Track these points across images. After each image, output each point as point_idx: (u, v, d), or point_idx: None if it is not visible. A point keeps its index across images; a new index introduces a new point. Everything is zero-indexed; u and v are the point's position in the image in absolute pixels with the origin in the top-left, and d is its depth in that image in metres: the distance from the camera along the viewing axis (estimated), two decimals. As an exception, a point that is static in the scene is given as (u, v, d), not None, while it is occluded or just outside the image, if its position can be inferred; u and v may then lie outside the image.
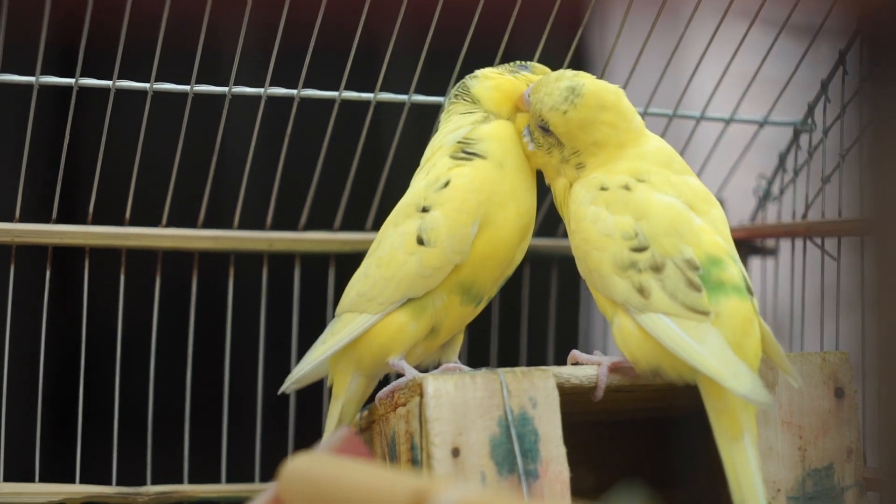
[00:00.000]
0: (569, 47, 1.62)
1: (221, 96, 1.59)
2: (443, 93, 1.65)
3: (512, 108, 1.50)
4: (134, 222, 1.63)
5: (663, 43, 1.64)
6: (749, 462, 1.33)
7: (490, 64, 1.60)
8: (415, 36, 1.57)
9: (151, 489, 1.62)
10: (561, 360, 1.45)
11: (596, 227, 1.40)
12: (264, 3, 1.50)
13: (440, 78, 1.64)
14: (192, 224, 1.66)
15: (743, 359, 1.34)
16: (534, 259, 1.66)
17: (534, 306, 1.79)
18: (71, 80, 1.55)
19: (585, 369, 1.40)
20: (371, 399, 1.49)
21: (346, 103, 1.63)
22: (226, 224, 1.67)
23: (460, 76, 1.60)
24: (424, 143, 1.65)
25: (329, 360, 1.51)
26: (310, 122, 1.64)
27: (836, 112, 1.66)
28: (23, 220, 1.59)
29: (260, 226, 1.68)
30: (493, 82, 1.51)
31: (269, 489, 1.29)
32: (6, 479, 1.59)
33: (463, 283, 1.46)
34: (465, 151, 1.47)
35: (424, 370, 1.46)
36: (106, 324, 1.64)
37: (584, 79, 1.44)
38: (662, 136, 1.52)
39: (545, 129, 1.44)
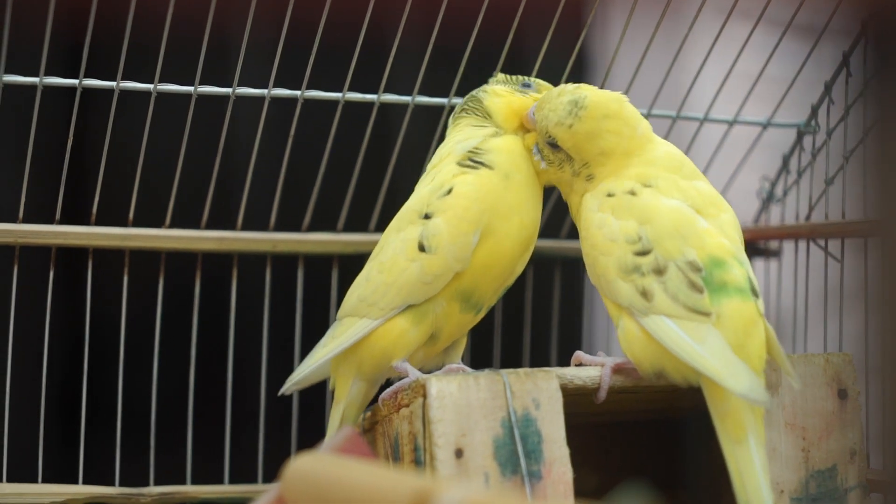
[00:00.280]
0: (572, 48, 1.62)
1: (225, 97, 1.59)
2: (447, 94, 1.65)
3: (521, 126, 1.51)
4: (137, 223, 1.63)
5: (666, 44, 1.64)
6: (753, 464, 1.32)
7: (493, 65, 1.61)
8: (419, 37, 1.57)
9: (154, 490, 1.62)
10: (564, 362, 1.45)
11: (602, 233, 1.41)
12: (268, 5, 1.50)
13: (444, 79, 1.64)
14: (195, 225, 1.66)
15: (745, 360, 1.34)
16: (537, 260, 1.66)
17: (537, 307, 1.79)
18: (75, 81, 1.55)
19: (589, 370, 1.40)
20: (374, 400, 1.49)
21: (349, 104, 1.63)
22: (229, 225, 1.67)
23: (464, 77, 1.60)
24: (428, 144, 1.65)
25: (331, 363, 1.51)
26: (313, 123, 1.64)
27: (839, 114, 1.66)
28: (26, 220, 1.60)
29: (263, 227, 1.68)
30: (503, 100, 1.51)
31: (271, 489, 1.29)
32: (10, 480, 1.59)
33: (463, 290, 1.46)
34: (473, 160, 1.47)
35: (427, 372, 1.46)
36: (109, 325, 1.64)
37: (585, 91, 1.44)
38: (666, 137, 1.52)
39: (553, 146, 1.45)
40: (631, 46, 1.63)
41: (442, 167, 1.50)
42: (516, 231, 1.46)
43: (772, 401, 1.40)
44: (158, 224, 1.64)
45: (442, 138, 1.61)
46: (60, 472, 1.62)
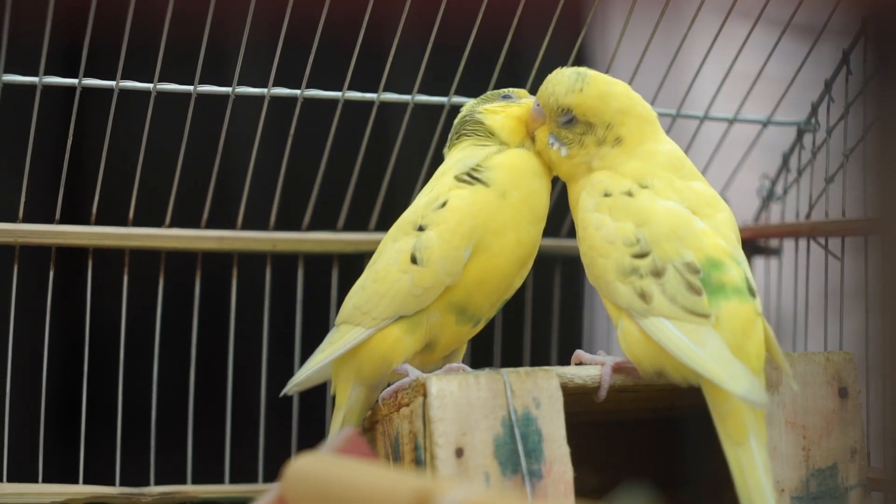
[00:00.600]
0: (572, 47, 1.62)
1: (225, 97, 1.59)
2: (446, 93, 1.64)
3: (527, 135, 1.50)
4: (137, 223, 1.63)
5: (666, 42, 1.64)
6: (755, 465, 1.32)
7: (493, 64, 1.61)
8: (418, 36, 1.57)
9: (155, 489, 1.62)
10: (564, 361, 1.45)
11: (599, 235, 1.41)
12: (268, 4, 1.50)
13: (444, 78, 1.64)
14: (195, 224, 1.66)
15: (744, 360, 1.34)
16: (537, 259, 1.66)
17: (537, 306, 1.79)
18: (74, 81, 1.55)
19: (589, 369, 1.40)
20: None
21: (349, 103, 1.63)
22: (229, 224, 1.67)
23: (464, 76, 1.60)
24: (428, 144, 1.65)
25: (332, 369, 1.51)
26: (313, 123, 1.64)
27: (839, 112, 1.66)
28: (26, 220, 1.60)
29: (263, 226, 1.68)
30: (504, 113, 1.51)
31: (272, 489, 1.29)
32: (10, 480, 1.59)
33: (457, 304, 1.46)
34: (471, 176, 1.47)
35: (427, 372, 1.46)
36: (109, 324, 1.64)
37: (583, 68, 1.46)
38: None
39: (569, 121, 1.44)
40: (631, 45, 1.63)
41: (441, 180, 1.49)
42: (511, 248, 1.46)
43: (772, 401, 1.40)
44: (158, 223, 1.64)
45: (442, 137, 1.61)
46: (61, 472, 1.62)
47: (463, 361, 1.52)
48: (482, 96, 1.54)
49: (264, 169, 1.64)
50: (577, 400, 1.39)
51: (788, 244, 1.78)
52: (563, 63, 1.56)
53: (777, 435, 1.42)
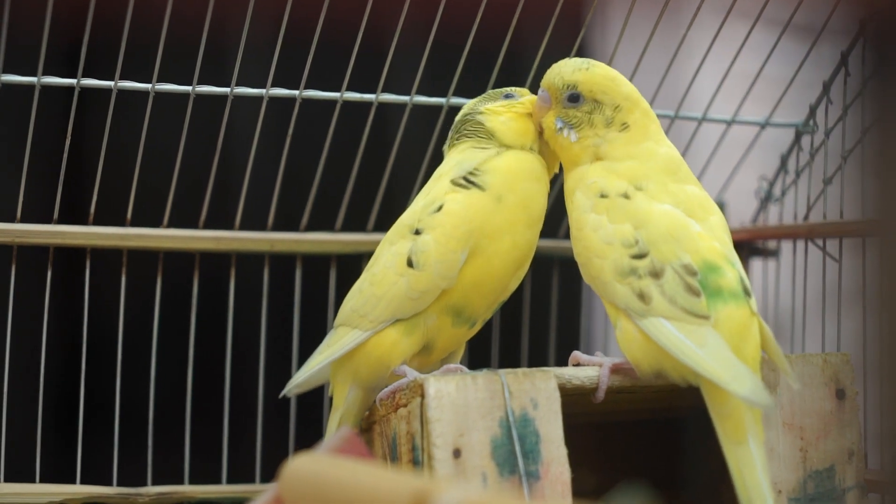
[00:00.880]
0: (571, 48, 1.62)
1: (223, 97, 1.59)
2: (445, 94, 1.64)
3: (533, 133, 1.49)
4: (135, 223, 1.63)
5: (665, 44, 1.64)
6: (754, 465, 1.33)
7: (492, 65, 1.61)
8: (417, 37, 1.57)
9: (152, 490, 1.62)
10: (562, 361, 1.45)
11: (597, 236, 1.41)
12: (266, 4, 1.50)
13: (442, 79, 1.64)
14: (193, 225, 1.66)
15: (742, 362, 1.34)
16: (535, 260, 1.66)
17: (535, 307, 1.79)
18: (73, 81, 1.55)
19: (587, 370, 1.40)
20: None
21: (348, 104, 1.63)
22: (227, 225, 1.67)
23: (462, 77, 1.60)
24: (426, 144, 1.65)
25: (330, 371, 1.51)
26: (312, 123, 1.64)
27: (838, 113, 1.66)
28: (24, 220, 1.59)
29: (261, 226, 1.68)
30: (507, 115, 1.50)
31: (269, 490, 1.29)
32: (7, 480, 1.59)
33: (453, 306, 1.46)
34: (467, 179, 1.47)
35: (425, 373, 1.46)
36: (107, 324, 1.64)
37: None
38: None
39: (575, 98, 1.44)
40: (630, 46, 1.63)
41: (438, 183, 1.49)
42: (507, 251, 1.46)
43: (774, 405, 1.40)
44: (156, 224, 1.64)
45: (440, 138, 1.61)
46: (58, 472, 1.62)
47: (461, 362, 1.52)
48: (484, 95, 1.54)
49: (262, 169, 1.64)
50: (574, 401, 1.39)
51: (786, 245, 1.78)
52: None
53: (774, 436, 1.42)
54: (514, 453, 1.34)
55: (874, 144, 1.03)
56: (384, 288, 1.46)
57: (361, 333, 1.47)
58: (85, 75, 1.54)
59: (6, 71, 1.53)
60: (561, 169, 1.51)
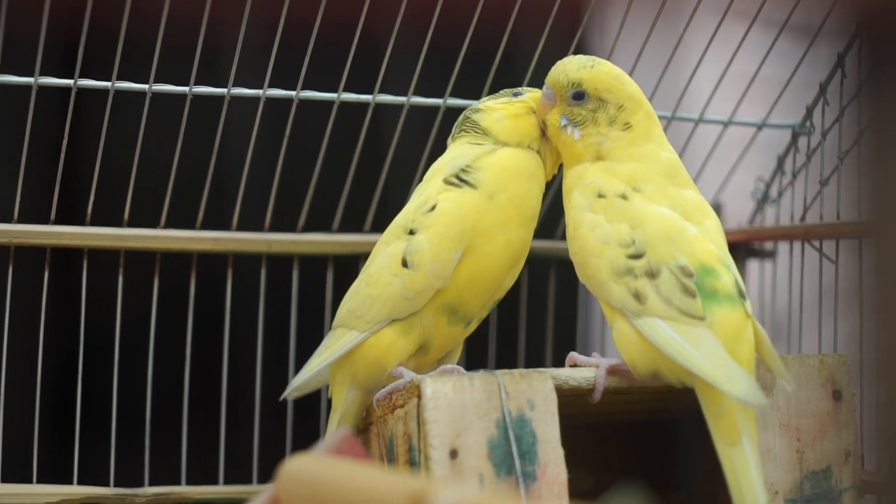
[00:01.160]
0: (568, 48, 1.62)
1: (220, 97, 1.59)
2: (442, 95, 1.65)
3: (530, 129, 1.49)
4: (132, 223, 1.63)
5: (662, 44, 1.64)
6: (748, 466, 1.33)
7: (489, 67, 1.61)
8: (414, 37, 1.57)
9: (149, 490, 1.62)
10: (559, 362, 1.45)
11: (594, 235, 1.41)
12: (263, 5, 1.50)
13: (439, 80, 1.64)
14: (190, 225, 1.66)
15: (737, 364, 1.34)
16: (532, 261, 1.66)
17: (532, 308, 1.79)
18: (70, 81, 1.55)
19: (583, 371, 1.40)
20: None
21: (345, 105, 1.63)
22: (224, 225, 1.67)
23: (460, 78, 1.60)
24: (423, 145, 1.65)
25: (329, 372, 1.51)
26: (309, 124, 1.64)
27: (834, 114, 1.67)
28: (21, 220, 1.59)
29: (258, 227, 1.68)
30: (502, 112, 1.50)
31: (266, 490, 1.29)
32: (4, 480, 1.59)
33: (448, 305, 1.46)
34: (459, 178, 1.47)
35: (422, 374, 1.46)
36: (104, 325, 1.64)
37: None
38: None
39: (580, 96, 1.44)
40: (627, 46, 1.63)
41: (431, 183, 1.50)
42: (501, 249, 1.46)
43: (769, 406, 1.40)
44: (153, 224, 1.64)
45: (437, 139, 1.61)
46: (55, 473, 1.62)
47: (457, 363, 1.52)
48: (495, 94, 1.54)
49: (259, 170, 1.64)
50: (571, 402, 1.39)
51: (783, 247, 1.78)
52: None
53: (771, 437, 1.42)
54: (510, 454, 1.34)
55: (870, 146, 1.03)
56: (379, 288, 1.47)
57: (359, 334, 1.47)
58: (82, 76, 1.54)
59: (3, 71, 1.53)
60: (560, 168, 1.51)
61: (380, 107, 1.64)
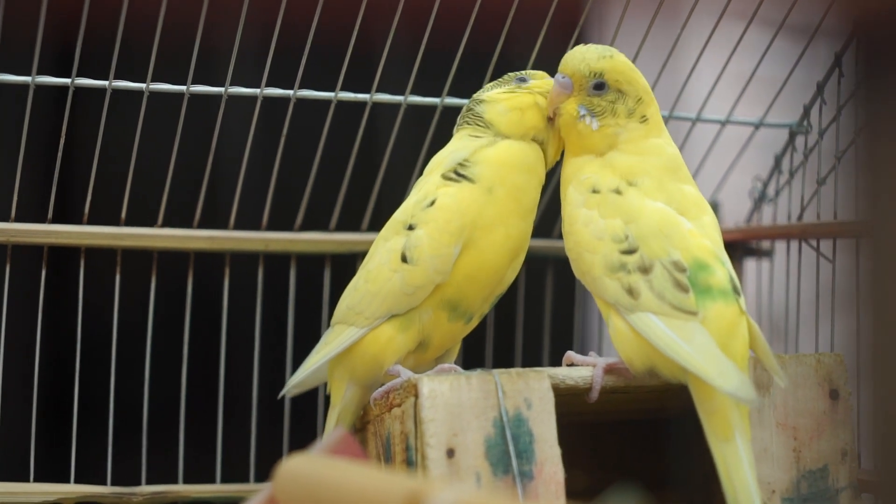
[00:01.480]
0: (565, 48, 1.62)
1: (218, 96, 1.59)
2: (439, 94, 1.65)
3: (535, 122, 1.49)
4: (130, 222, 1.63)
5: (660, 43, 1.64)
6: (741, 462, 1.33)
7: (486, 66, 1.61)
8: (411, 36, 1.57)
9: (146, 489, 1.62)
10: (556, 362, 1.45)
11: (588, 230, 1.41)
12: (261, 4, 1.50)
13: (437, 79, 1.64)
14: (187, 224, 1.66)
15: (730, 359, 1.34)
16: (529, 260, 1.66)
17: (529, 307, 1.79)
18: (67, 80, 1.55)
19: (580, 370, 1.40)
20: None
21: (342, 104, 1.63)
22: (222, 224, 1.67)
23: (457, 77, 1.60)
24: (420, 144, 1.65)
25: (327, 369, 1.51)
26: (306, 123, 1.64)
27: (831, 114, 1.67)
28: (18, 219, 1.59)
29: (256, 226, 1.68)
30: (506, 104, 1.49)
31: (263, 489, 1.29)
32: (1, 479, 1.59)
33: (449, 300, 1.46)
34: (457, 172, 1.47)
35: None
36: (101, 324, 1.64)
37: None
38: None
39: (600, 86, 1.44)
40: (625, 46, 1.63)
41: (429, 178, 1.50)
42: (501, 243, 1.46)
43: (760, 400, 1.40)
44: (150, 223, 1.64)
45: (434, 138, 1.61)
46: (52, 472, 1.62)
47: (455, 362, 1.52)
48: (498, 80, 1.53)
49: (257, 169, 1.64)
50: (568, 401, 1.39)
51: (780, 246, 1.78)
52: (558, 63, 1.56)
53: (768, 436, 1.42)
54: (507, 453, 1.34)
55: (867, 145, 1.03)
56: (379, 284, 1.47)
57: (358, 330, 1.47)
58: (79, 75, 1.54)
59: (0, 70, 1.53)
60: (560, 161, 1.51)
61: (377, 106, 1.64)
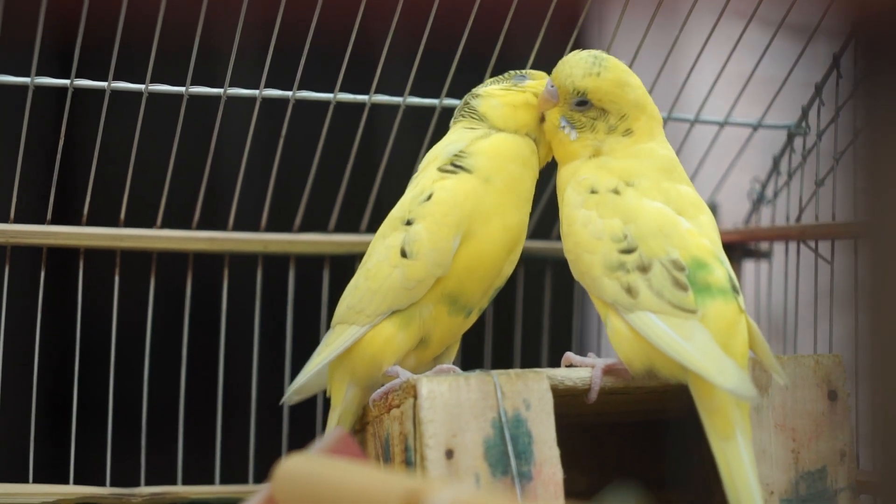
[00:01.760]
0: (565, 48, 1.62)
1: (217, 98, 1.59)
2: (438, 95, 1.65)
3: (527, 119, 1.50)
4: (129, 223, 1.63)
5: (659, 44, 1.64)
6: (742, 461, 1.33)
7: (485, 67, 1.61)
8: (410, 37, 1.57)
9: (145, 490, 1.62)
10: (555, 363, 1.45)
11: (586, 231, 1.41)
12: (260, 5, 1.50)
13: (435, 80, 1.64)
14: (186, 225, 1.66)
15: (730, 357, 1.34)
16: (528, 261, 1.67)
17: (528, 308, 1.79)
18: (66, 81, 1.55)
19: (579, 371, 1.40)
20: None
21: (341, 105, 1.63)
22: (221, 225, 1.67)
23: (456, 78, 1.60)
24: (419, 145, 1.65)
25: (327, 370, 1.51)
26: (305, 124, 1.64)
27: (830, 115, 1.67)
28: (17, 220, 1.59)
29: (255, 227, 1.68)
30: (500, 100, 1.50)
31: (262, 490, 1.29)
32: (0, 480, 1.58)
33: (449, 294, 1.46)
34: (454, 164, 1.47)
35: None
36: (100, 325, 1.64)
37: (599, 51, 1.46)
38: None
39: (583, 103, 1.44)
40: (624, 47, 1.63)
41: (425, 173, 1.50)
42: (499, 233, 1.46)
43: (760, 399, 1.40)
44: (150, 224, 1.64)
45: (433, 139, 1.61)
46: (51, 473, 1.62)
47: (454, 363, 1.52)
48: (498, 77, 1.54)
49: (256, 170, 1.64)
50: (567, 402, 1.39)
51: (778, 247, 1.78)
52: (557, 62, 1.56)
53: (766, 437, 1.42)
54: (506, 454, 1.34)
55: (866, 146, 1.03)
56: (379, 281, 1.47)
57: (359, 329, 1.47)
58: (78, 76, 1.54)
59: (0, 71, 1.53)
60: (555, 162, 1.51)
61: (376, 107, 1.64)
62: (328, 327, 1.54)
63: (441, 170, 1.48)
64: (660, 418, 1.56)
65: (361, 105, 1.64)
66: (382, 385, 1.45)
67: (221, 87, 1.58)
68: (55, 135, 1.56)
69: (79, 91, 1.56)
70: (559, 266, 1.69)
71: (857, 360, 1.51)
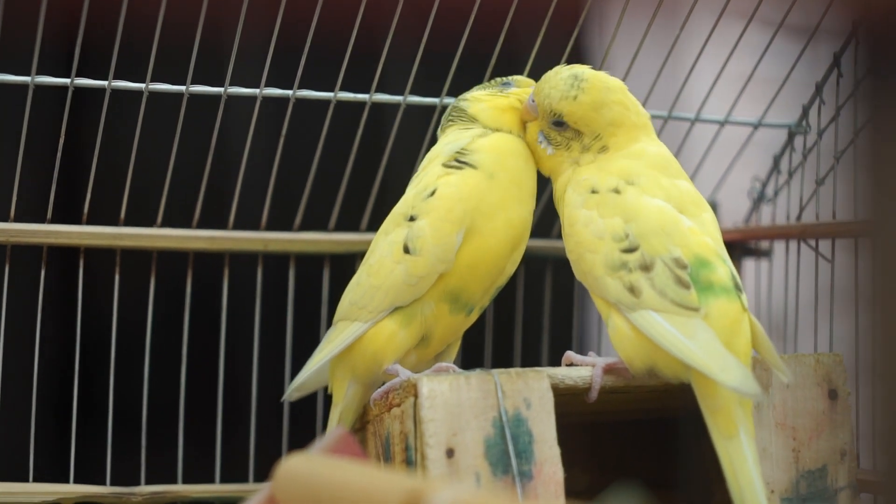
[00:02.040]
0: (565, 48, 1.62)
1: (217, 97, 1.59)
2: (438, 94, 1.65)
3: (513, 123, 1.51)
4: (129, 222, 1.63)
5: (659, 44, 1.64)
6: (746, 459, 1.33)
7: (485, 67, 1.61)
8: (411, 36, 1.57)
9: (145, 489, 1.62)
10: (555, 362, 1.45)
11: (588, 231, 1.41)
12: (261, 4, 1.50)
13: (436, 79, 1.64)
14: (187, 224, 1.66)
15: (733, 355, 1.34)
16: (528, 260, 1.66)
17: (528, 307, 1.79)
18: (67, 80, 1.55)
19: (580, 370, 1.40)
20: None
21: (341, 104, 1.63)
22: (221, 224, 1.67)
23: (456, 77, 1.60)
24: (420, 144, 1.65)
25: (329, 367, 1.51)
26: (305, 123, 1.64)
27: (830, 114, 1.67)
28: (18, 219, 1.59)
29: (255, 226, 1.68)
30: (487, 103, 1.52)
31: (263, 489, 1.29)
32: (0, 479, 1.58)
33: (451, 291, 1.46)
34: (458, 160, 1.48)
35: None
36: (101, 324, 1.64)
37: (582, 68, 1.47)
38: (658, 137, 1.52)
39: (559, 124, 1.45)
40: (624, 46, 1.63)
41: (428, 169, 1.50)
42: (502, 229, 1.46)
43: (763, 396, 1.40)
44: (150, 223, 1.64)
45: (433, 138, 1.61)
46: (52, 472, 1.62)
47: (454, 362, 1.52)
48: (483, 84, 1.55)
49: (256, 169, 1.64)
50: (567, 401, 1.39)
51: (779, 246, 1.78)
52: (558, 63, 1.56)
53: (767, 436, 1.42)
54: (507, 453, 1.34)
55: (866, 145, 1.03)
56: (382, 277, 1.47)
57: (361, 325, 1.47)
58: (79, 75, 1.54)
59: (0, 70, 1.53)
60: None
61: (376, 106, 1.64)
62: (328, 326, 1.54)
63: (446, 165, 1.48)
64: (660, 417, 1.56)
65: (362, 104, 1.64)
66: (383, 383, 1.45)
67: (222, 85, 1.58)
68: (55, 134, 1.55)
69: (79, 90, 1.56)
70: (560, 265, 1.69)
71: (857, 359, 1.51)
